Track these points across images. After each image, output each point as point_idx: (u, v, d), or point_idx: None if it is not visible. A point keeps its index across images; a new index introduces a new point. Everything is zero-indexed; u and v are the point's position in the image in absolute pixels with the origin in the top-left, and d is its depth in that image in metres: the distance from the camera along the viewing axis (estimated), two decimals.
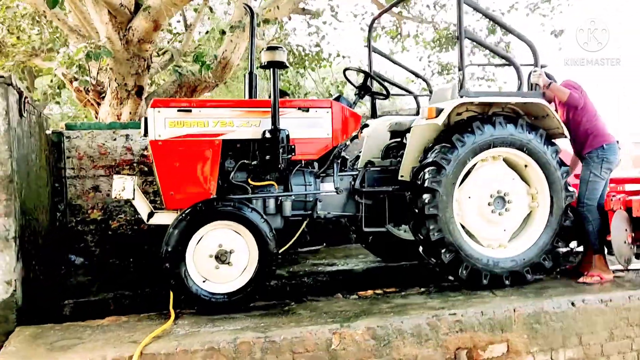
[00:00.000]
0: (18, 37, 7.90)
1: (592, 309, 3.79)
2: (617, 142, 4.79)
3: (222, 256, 3.82)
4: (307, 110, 4.51)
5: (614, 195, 4.56)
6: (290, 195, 4.47)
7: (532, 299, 3.86)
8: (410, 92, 6.43)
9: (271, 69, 4.31)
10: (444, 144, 4.31)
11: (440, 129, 4.46)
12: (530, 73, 4.64)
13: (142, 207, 4.21)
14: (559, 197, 4.50)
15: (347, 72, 5.29)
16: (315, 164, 4.70)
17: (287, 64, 4.40)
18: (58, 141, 6.04)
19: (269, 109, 4.29)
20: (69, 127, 6.25)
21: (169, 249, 3.73)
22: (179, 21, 9.36)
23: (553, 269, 4.64)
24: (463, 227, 4.44)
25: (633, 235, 4.46)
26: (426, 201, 4.23)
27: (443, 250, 4.24)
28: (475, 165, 4.47)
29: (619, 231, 4.39)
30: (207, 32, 7.67)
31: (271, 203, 4.43)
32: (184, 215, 3.81)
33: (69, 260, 6.11)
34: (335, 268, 5.46)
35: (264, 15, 8.22)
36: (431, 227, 4.23)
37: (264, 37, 9.60)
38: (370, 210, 4.73)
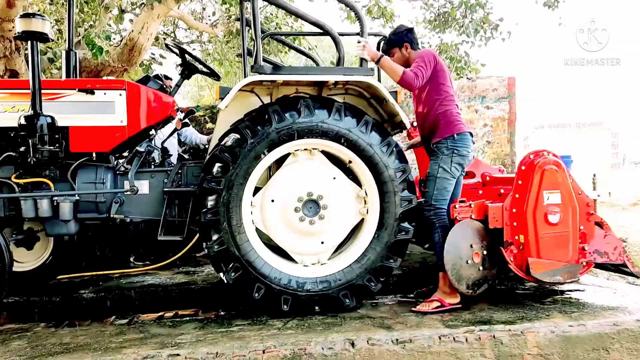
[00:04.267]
0: None
1: (379, 352, 2.85)
2: (471, 134, 3.78)
3: None
4: (93, 93, 3.76)
5: (462, 200, 3.55)
6: (72, 196, 3.72)
7: (301, 334, 2.96)
8: None
9: (29, 42, 3.56)
10: (233, 134, 3.44)
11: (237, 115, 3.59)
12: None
13: None
14: (391, 203, 3.55)
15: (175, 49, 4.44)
16: (112, 158, 3.92)
17: (51, 37, 3.62)
18: None
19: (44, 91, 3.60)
20: None
21: None
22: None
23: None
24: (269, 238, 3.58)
25: (485, 252, 3.45)
26: (207, 206, 3.38)
27: (228, 267, 3.39)
28: (286, 160, 3.59)
29: (459, 247, 3.39)
30: (107, 9, 6.94)
31: (44, 205, 3.68)
32: None
33: None
34: (167, 282, 4.69)
35: None
36: (213, 237, 3.38)
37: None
38: (174, 214, 3.91)
